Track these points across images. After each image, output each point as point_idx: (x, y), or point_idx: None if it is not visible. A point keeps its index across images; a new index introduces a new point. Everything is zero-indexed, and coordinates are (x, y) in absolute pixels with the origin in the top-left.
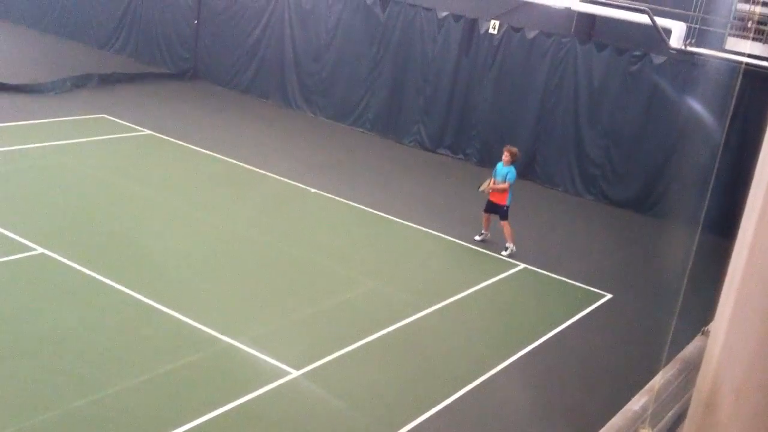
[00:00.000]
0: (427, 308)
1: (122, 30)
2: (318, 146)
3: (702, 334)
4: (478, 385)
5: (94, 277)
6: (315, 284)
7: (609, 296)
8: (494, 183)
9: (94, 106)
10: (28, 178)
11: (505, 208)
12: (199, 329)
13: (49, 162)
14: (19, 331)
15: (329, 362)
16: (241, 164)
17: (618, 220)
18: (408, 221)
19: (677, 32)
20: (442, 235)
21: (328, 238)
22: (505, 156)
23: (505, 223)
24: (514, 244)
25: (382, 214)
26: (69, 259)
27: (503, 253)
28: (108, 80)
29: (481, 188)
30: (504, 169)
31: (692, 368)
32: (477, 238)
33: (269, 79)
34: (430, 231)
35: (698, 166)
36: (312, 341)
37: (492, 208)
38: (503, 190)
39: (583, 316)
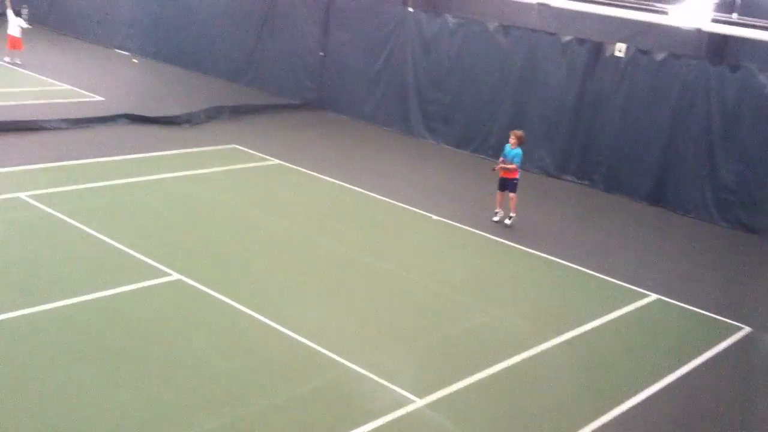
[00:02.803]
0: (552, 339)
1: (252, 63)
2: (440, 173)
3: None
4: (604, 424)
5: (224, 302)
6: (438, 312)
7: (747, 329)
8: (504, 163)
9: (226, 137)
10: (163, 207)
11: (515, 181)
12: (324, 354)
13: (182, 190)
14: (154, 353)
15: (453, 392)
16: (364, 191)
17: (755, 249)
18: (532, 249)
19: None
20: (569, 264)
21: (450, 265)
22: (512, 139)
23: (513, 195)
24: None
25: (506, 242)
26: (202, 284)
27: (507, 221)
28: (238, 111)
29: (494, 168)
30: (512, 152)
31: None
32: (494, 219)
33: (392, 108)
34: (556, 259)
35: None
36: (435, 370)
37: (504, 185)
38: (513, 170)
39: (720, 351)
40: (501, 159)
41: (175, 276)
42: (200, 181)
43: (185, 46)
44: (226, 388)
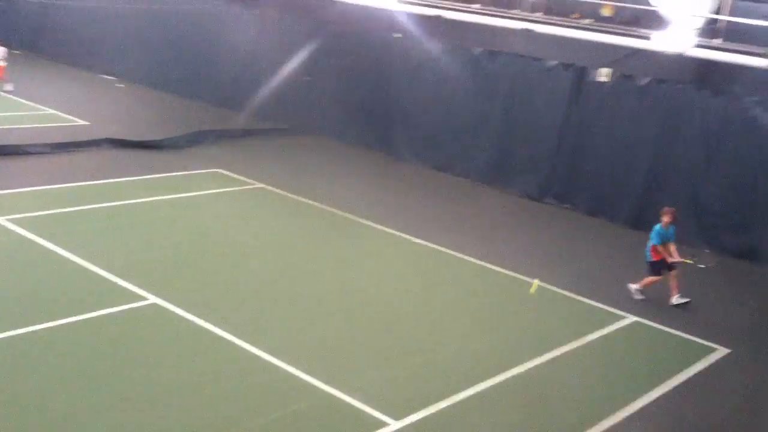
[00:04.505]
0: (532, 360)
1: (237, 88)
2: (423, 197)
3: None
4: None
5: (203, 327)
6: (419, 335)
7: (726, 350)
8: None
9: (209, 161)
10: (143, 230)
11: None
12: (302, 379)
13: (163, 214)
14: (132, 381)
15: (431, 414)
16: (349, 216)
17: (738, 273)
18: (516, 272)
19: None
20: (551, 287)
21: (434, 289)
22: (667, 218)
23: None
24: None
25: (489, 265)
26: (180, 309)
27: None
28: (222, 136)
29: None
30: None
31: None
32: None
33: (377, 132)
34: (540, 283)
35: None
36: (414, 392)
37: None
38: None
39: (697, 372)
40: (668, 246)
41: (153, 300)
42: (182, 204)
43: (170, 72)
44: (204, 415)
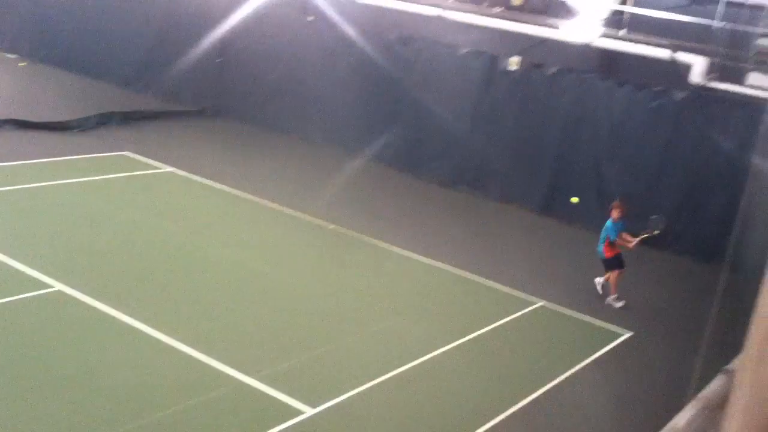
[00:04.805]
0: (445, 345)
1: (146, 69)
2: (338, 181)
3: (723, 372)
4: (495, 424)
5: (111, 315)
6: (333, 322)
7: (629, 334)
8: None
9: (117, 144)
10: (48, 215)
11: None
12: (215, 367)
13: (69, 198)
14: (37, 369)
15: (345, 400)
16: (260, 200)
17: (639, 258)
18: (428, 257)
19: (698, 68)
20: (463, 272)
21: (348, 274)
22: (616, 213)
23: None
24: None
25: (402, 250)
26: (87, 296)
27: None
28: (131, 118)
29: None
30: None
31: (714, 407)
32: (618, 305)
33: (291, 116)
34: (451, 268)
35: (719, 201)
36: (329, 379)
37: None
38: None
39: (603, 354)
40: (625, 235)
41: (59, 287)
42: (89, 188)
43: (76, 51)
44: (116, 404)
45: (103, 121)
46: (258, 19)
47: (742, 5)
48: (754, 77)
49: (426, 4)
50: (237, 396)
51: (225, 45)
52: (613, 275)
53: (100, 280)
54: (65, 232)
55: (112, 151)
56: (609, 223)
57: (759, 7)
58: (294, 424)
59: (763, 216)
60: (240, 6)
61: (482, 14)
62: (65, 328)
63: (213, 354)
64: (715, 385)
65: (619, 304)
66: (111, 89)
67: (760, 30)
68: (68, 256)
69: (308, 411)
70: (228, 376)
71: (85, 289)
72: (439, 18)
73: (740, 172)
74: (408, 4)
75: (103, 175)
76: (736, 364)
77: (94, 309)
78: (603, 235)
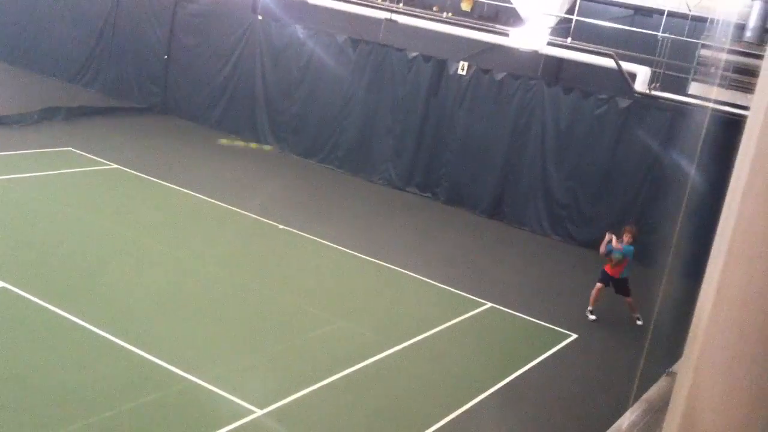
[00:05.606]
0: (394, 346)
1: (91, 64)
2: (287, 183)
3: (666, 375)
4: (443, 425)
5: (55, 312)
6: (283, 323)
7: (574, 336)
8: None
9: (61, 140)
10: None
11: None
12: (163, 367)
13: (12, 195)
14: None
15: (294, 401)
16: (207, 199)
17: (584, 261)
18: (378, 259)
19: (642, 76)
20: (412, 274)
21: (297, 275)
22: (627, 237)
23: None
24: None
25: (352, 252)
26: (30, 294)
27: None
28: (75, 113)
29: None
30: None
31: (657, 410)
32: (591, 317)
33: (239, 115)
34: (400, 269)
35: (664, 207)
36: (278, 379)
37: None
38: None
39: (549, 356)
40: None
41: (2, 284)
42: (31, 184)
43: (19, 44)
44: (62, 404)
45: (47, 116)
46: (206, 17)
47: (684, 17)
48: (695, 87)
49: (376, 7)
50: (186, 396)
51: (172, 42)
52: (598, 290)
53: (45, 277)
54: (7, 229)
55: (56, 147)
56: (630, 247)
57: (701, 19)
58: (243, 423)
59: (701, 221)
60: (185, 2)
61: (432, 19)
62: (10, 327)
63: (161, 354)
64: (659, 387)
65: (593, 318)
66: (56, 84)
67: (701, 41)
68: (11, 254)
69: (257, 411)
70: (177, 375)
71: (29, 286)
72: (389, 21)
73: (681, 178)
74: (358, 6)
75: (46, 171)
76: (678, 367)
77: (40, 307)
78: (618, 257)
